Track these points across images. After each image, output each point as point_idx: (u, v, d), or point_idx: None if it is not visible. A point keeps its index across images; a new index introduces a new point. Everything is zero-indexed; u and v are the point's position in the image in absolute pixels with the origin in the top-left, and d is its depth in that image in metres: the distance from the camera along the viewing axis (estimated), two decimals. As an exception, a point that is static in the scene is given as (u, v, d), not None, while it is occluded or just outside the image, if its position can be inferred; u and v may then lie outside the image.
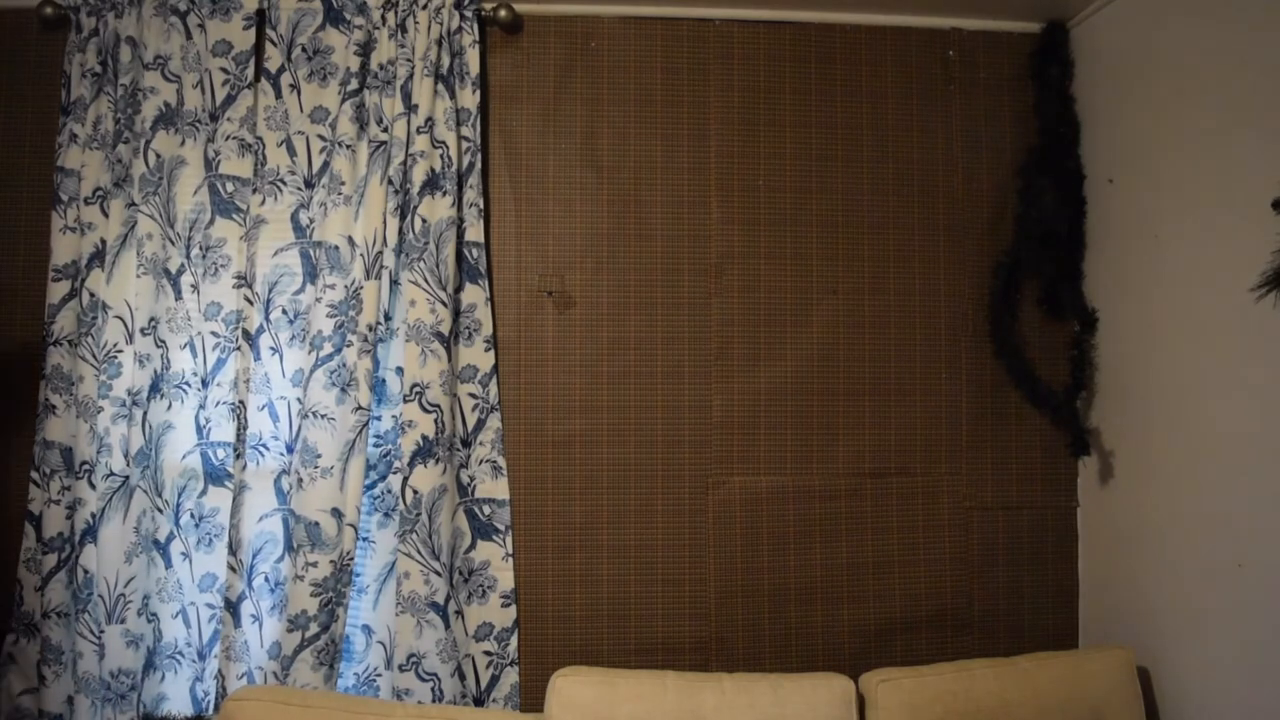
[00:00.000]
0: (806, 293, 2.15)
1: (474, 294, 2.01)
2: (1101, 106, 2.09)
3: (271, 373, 1.97)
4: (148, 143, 1.93)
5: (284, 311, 1.98)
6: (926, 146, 2.19)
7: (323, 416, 1.88)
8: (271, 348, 1.97)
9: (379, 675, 1.97)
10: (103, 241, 1.93)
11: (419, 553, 1.91)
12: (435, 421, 1.92)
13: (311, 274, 1.98)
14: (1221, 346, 1.70)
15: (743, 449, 2.12)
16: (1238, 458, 1.66)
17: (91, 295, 1.92)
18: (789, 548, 2.11)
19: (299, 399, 1.92)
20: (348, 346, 1.90)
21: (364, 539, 1.99)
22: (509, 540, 2.01)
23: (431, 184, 1.96)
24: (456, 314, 2.00)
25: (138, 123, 1.94)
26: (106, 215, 1.93)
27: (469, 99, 2.01)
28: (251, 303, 1.95)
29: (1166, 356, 1.86)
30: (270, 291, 1.98)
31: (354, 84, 1.97)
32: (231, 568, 1.88)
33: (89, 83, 1.94)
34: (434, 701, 1.91)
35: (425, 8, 1.98)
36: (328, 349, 1.91)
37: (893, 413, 2.16)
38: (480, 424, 2.02)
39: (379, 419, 2.00)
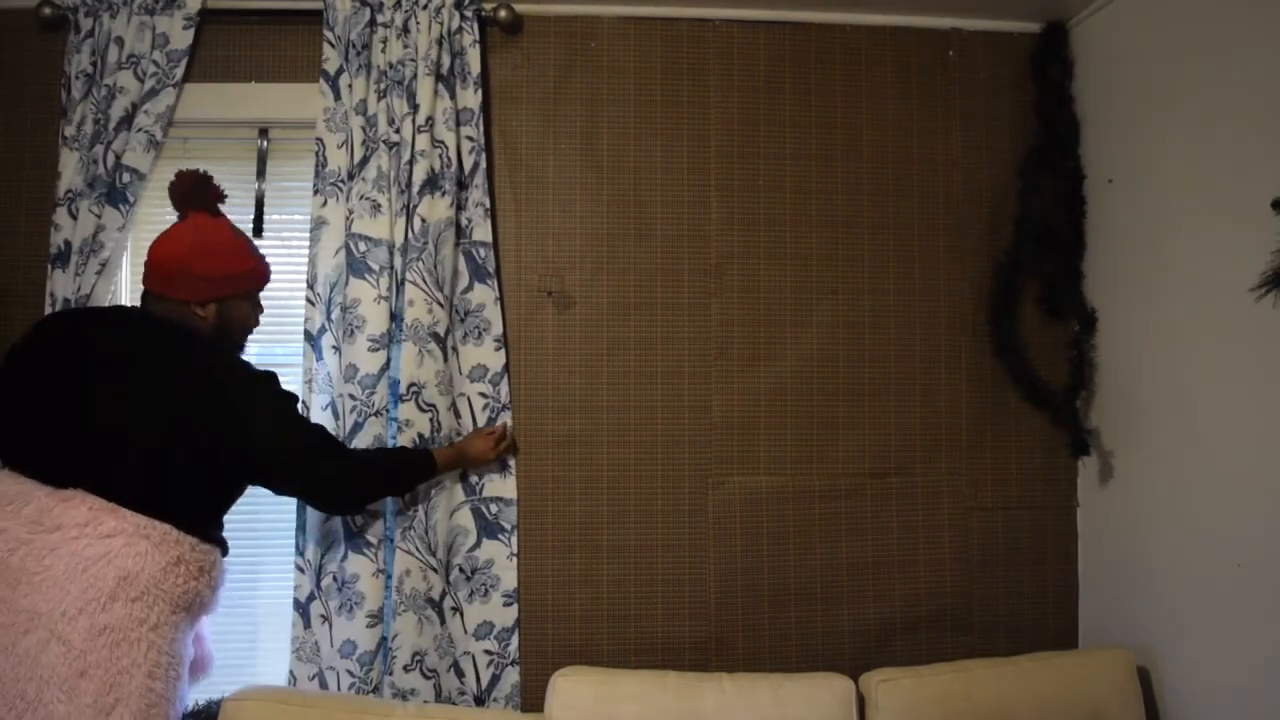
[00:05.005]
0: (806, 293, 2.15)
1: (483, 294, 2.01)
2: (1101, 106, 2.08)
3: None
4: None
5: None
6: (926, 146, 2.19)
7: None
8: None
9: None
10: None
11: (417, 550, 1.91)
12: (431, 421, 1.93)
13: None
14: (1221, 346, 1.70)
15: (743, 449, 2.12)
16: (1238, 457, 1.66)
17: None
18: (789, 548, 2.11)
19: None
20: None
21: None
22: (514, 539, 2.01)
23: (431, 184, 1.96)
24: (464, 315, 2.00)
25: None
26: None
27: (471, 98, 2.00)
28: (314, 304, 1.95)
29: (1166, 356, 1.86)
30: (330, 291, 1.96)
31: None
32: (299, 568, 1.89)
33: (80, 84, 1.93)
34: (435, 698, 1.91)
35: (425, 7, 1.98)
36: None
37: (893, 413, 2.15)
38: (490, 423, 2.01)
39: (395, 419, 1.98)
